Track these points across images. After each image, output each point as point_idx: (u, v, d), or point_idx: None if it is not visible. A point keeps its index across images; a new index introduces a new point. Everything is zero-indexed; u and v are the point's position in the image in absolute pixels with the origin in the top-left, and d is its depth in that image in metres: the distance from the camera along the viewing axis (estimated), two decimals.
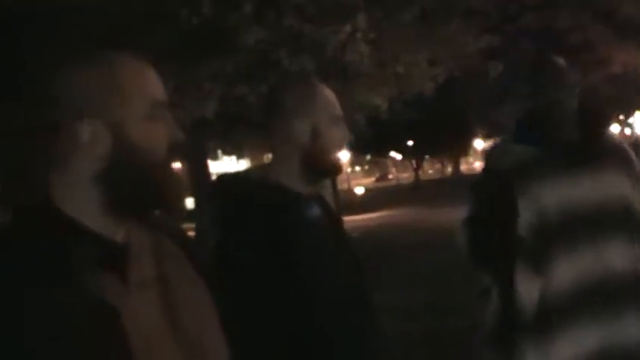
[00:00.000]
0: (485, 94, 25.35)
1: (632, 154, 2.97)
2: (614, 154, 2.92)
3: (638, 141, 30.37)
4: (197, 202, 19.38)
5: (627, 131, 51.25)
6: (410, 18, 11.75)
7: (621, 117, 45.10)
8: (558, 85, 2.89)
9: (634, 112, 40.15)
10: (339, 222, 2.80)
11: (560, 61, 2.96)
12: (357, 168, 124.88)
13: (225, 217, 2.53)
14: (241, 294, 2.32)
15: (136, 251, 1.55)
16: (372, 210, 35.35)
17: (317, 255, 2.47)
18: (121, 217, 1.54)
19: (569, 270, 2.77)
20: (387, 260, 13.45)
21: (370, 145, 47.56)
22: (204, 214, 18.10)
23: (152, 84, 1.58)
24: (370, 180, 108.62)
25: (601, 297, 2.78)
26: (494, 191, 2.90)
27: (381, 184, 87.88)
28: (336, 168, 2.62)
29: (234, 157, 40.43)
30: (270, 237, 2.38)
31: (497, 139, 3.26)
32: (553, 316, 2.74)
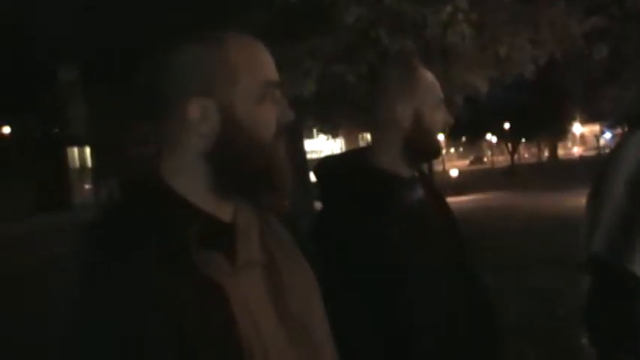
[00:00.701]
0: (587, 77, 24.79)
1: None
2: None
3: None
4: (292, 182, 19.53)
5: None
6: None
7: None
8: None
9: None
10: (444, 199, 2.76)
11: None
12: (452, 150, 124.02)
13: (328, 200, 2.53)
14: (340, 276, 2.28)
15: (243, 231, 1.54)
16: (466, 193, 35.07)
17: (420, 238, 2.43)
18: (229, 196, 1.53)
19: None
20: (481, 243, 13.28)
21: (466, 127, 47.16)
22: (299, 193, 18.26)
23: (264, 63, 1.56)
24: (464, 162, 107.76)
25: None
26: None
27: (475, 167, 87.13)
28: (438, 151, 2.60)
29: (329, 136, 40.66)
30: (373, 221, 2.36)
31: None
32: None
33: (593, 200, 2.61)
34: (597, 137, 75.52)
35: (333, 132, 34.79)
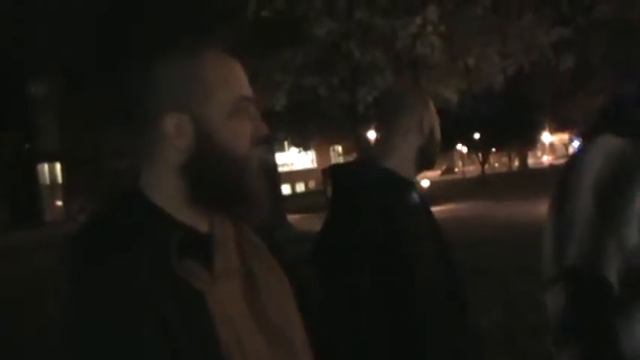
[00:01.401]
0: (555, 87, 25.00)
1: None
2: None
3: None
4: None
5: None
6: (481, 11, 11.64)
7: None
8: None
9: None
10: (430, 209, 3.03)
11: None
12: None
13: (341, 202, 2.75)
14: (351, 273, 2.51)
15: (220, 242, 1.57)
16: (438, 203, 35.14)
17: (420, 235, 2.69)
18: (205, 209, 1.56)
19: None
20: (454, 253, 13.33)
21: None
22: (269, 205, 18.22)
23: (238, 79, 1.59)
24: (436, 173, 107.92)
25: None
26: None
27: (446, 178, 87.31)
28: (434, 163, 2.93)
29: (301, 149, 40.66)
30: (384, 219, 2.57)
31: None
32: None
33: (558, 214, 2.63)
34: (566, 146, 75.98)
35: (304, 144, 34.84)
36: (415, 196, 2.80)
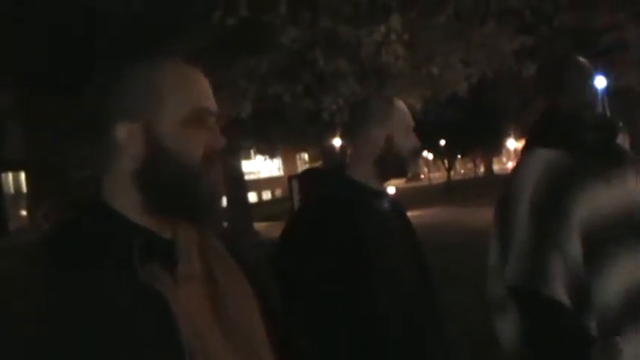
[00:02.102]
0: (519, 94, 25.20)
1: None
2: (630, 159, 2.76)
3: None
4: (229, 201, 19.47)
5: None
6: (444, 19, 11.72)
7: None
8: (584, 86, 2.82)
9: None
10: (406, 216, 3.09)
11: (587, 63, 2.88)
12: None
13: (307, 207, 2.86)
14: (314, 278, 2.60)
15: (182, 247, 1.60)
16: (405, 209, 35.09)
17: (388, 245, 2.74)
18: (161, 217, 1.58)
19: (619, 280, 2.54)
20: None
21: None
22: (236, 213, 18.21)
23: (196, 89, 1.60)
24: (402, 180, 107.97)
25: None
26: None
27: (412, 184, 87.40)
28: (404, 171, 2.94)
29: (267, 157, 40.60)
30: (347, 227, 2.65)
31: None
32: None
33: (500, 228, 2.68)
34: None
35: (270, 152, 34.79)
36: (385, 204, 2.85)
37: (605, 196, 2.55)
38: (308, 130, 18.65)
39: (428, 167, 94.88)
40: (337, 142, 25.66)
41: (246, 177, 20.44)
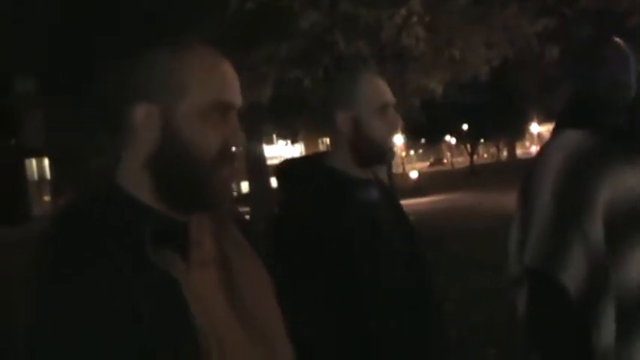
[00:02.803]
0: (542, 78, 25.02)
1: None
2: None
3: None
4: (251, 187, 19.54)
5: None
6: (465, 1, 11.62)
7: None
8: (623, 67, 2.74)
9: None
10: (400, 206, 2.87)
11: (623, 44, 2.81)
12: (412, 152, 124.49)
13: (287, 199, 2.70)
14: (299, 273, 2.45)
15: (196, 232, 1.59)
16: (427, 194, 35.16)
17: (373, 236, 2.58)
18: (173, 203, 1.56)
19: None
20: (442, 245, 13.35)
21: (425, 129, 47.41)
22: (258, 199, 18.26)
23: (219, 83, 1.57)
24: (425, 164, 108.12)
25: None
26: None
27: (435, 169, 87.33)
28: (384, 156, 2.68)
29: (288, 141, 40.66)
30: (327, 219, 2.50)
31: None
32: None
33: (522, 211, 2.62)
34: None
35: (292, 137, 34.84)
36: (371, 193, 2.66)
37: (630, 180, 2.49)
38: None
39: (451, 152, 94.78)
40: None
41: (268, 162, 20.43)
